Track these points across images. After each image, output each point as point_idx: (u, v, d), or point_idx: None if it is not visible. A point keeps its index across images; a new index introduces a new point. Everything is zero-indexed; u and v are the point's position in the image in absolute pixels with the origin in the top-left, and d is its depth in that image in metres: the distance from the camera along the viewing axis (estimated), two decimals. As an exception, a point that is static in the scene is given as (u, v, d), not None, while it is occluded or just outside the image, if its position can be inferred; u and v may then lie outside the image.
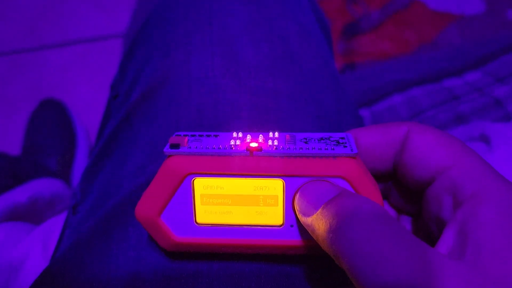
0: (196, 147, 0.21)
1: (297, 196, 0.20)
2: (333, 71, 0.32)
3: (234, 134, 0.21)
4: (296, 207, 0.20)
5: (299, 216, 0.20)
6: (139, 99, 0.30)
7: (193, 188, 0.21)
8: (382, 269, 0.15)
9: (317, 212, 0.18)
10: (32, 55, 0.87)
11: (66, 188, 0.55)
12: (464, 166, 0.19)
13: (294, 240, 0.21)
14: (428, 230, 0.21)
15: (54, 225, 0.37)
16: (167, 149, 0.21)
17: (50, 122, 0.67)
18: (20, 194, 0.46)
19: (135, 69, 0.33)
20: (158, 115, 0.29)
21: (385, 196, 0.24)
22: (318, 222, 0.18)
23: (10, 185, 0.50)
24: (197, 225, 0.22)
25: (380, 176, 0.23)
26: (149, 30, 0.33)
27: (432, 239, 0.20)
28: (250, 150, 0.20)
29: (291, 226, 0.21)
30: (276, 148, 0.20)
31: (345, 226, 0.16)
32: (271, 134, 0.21)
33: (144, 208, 0.21)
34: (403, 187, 0.23)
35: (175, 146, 0.21)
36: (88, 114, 0.74)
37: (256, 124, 0.27)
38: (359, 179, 0.20)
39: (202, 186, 0.21)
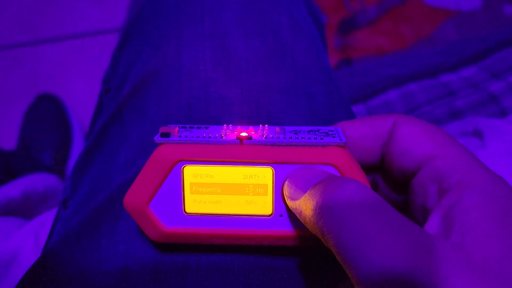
0: (186, 136, 0.21)
1: (286, 182, 0.20)
2: (326, 65, 0.32)
3: (224, 127, 0.22)
4: (285, 193, 0.20)
5: (288, 201, 0.20)
6: (130, 93, 0.30)
7: (183, 177, 0.21)
8: (370, 249, 0.15)
9: (305, 194, 0.18)
10: (28, 49, 0.87)
11: (60, 183, 0.55)
12: (448, 156, 0.19)
13: (283, 230, 0.21)
14: (415, 222, 0.21)
15: (46, 220, 0.37)
16: (157, 138, 0.21)
17: (46, 116, 0.67)
18: (13, 189, 0.46)
19: (126, 63, 0.32)
20: (149, 109, 0.29)
21: (373, 189, 0.24)
22: (305, 203, 0.18)
23: (3, 180, 0.50)
24: (186, 214, 0.22)
25: (368, 168, 0.23)
26: (141, 23, 0.33)
27: None
28: (240, 138, 0.20)
29: (281, 215, 0.21)
30: (266, 138, 0.21)
31: (331, 203, 0.16)
32: (261, 127, 0.22)
33: (133, 197, 0.21)
34: (390, 180, 0.23)
35: (165, 134, 0.21)
36: (84, 109, 0.74)
37: (247, 118, 0.27)
38: (347, 166, 0.20)
39: (192, 174, 0.21)
